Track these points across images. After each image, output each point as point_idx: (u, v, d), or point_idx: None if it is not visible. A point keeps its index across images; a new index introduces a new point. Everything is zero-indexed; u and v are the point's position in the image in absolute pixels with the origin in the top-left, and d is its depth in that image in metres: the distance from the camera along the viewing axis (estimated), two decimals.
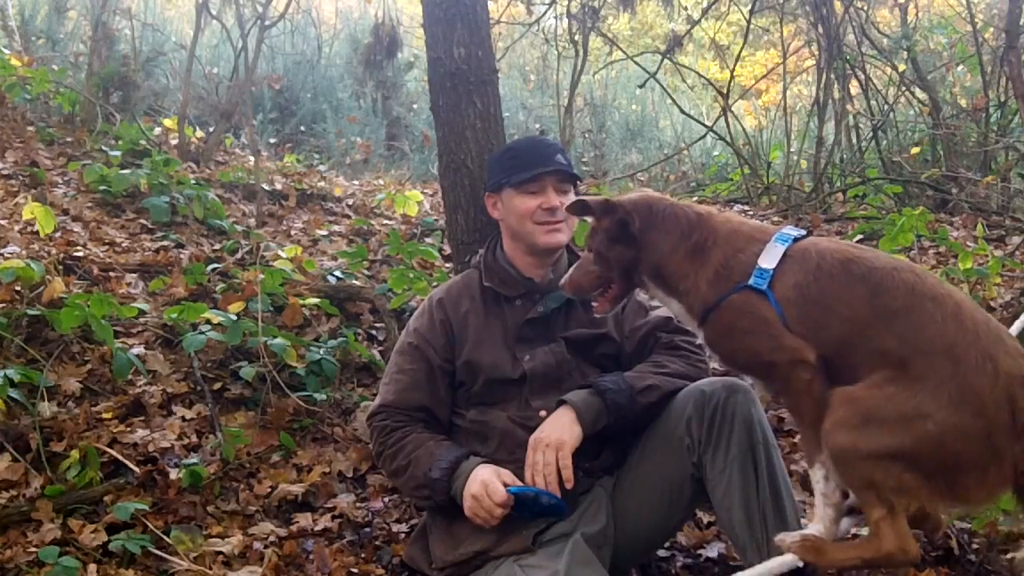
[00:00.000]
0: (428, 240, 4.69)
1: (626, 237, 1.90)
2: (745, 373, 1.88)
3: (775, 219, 5.28)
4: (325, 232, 4.69)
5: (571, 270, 2.05)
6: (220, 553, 2.37)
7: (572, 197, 2.28)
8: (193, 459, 2.68)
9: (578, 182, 2.34)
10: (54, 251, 3.59)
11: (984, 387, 1.53)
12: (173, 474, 2.60)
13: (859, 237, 4.63)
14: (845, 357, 1.68)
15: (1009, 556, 2.29)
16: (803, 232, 1.81)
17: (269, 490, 2.68)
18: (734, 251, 1.80)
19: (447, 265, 3.99)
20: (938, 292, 1.63)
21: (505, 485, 2.02)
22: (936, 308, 1.60)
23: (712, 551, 2.47)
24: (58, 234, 3.77)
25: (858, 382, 1.65)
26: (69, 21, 7.44)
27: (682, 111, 6.72)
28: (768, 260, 1.75)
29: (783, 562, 1.72)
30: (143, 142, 5.17)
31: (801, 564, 1.72)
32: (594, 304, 2.04)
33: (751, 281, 1.74)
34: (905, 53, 6.04)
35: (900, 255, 3.82)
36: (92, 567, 2.23)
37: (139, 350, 3.05)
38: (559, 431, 2.04)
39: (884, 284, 1.65)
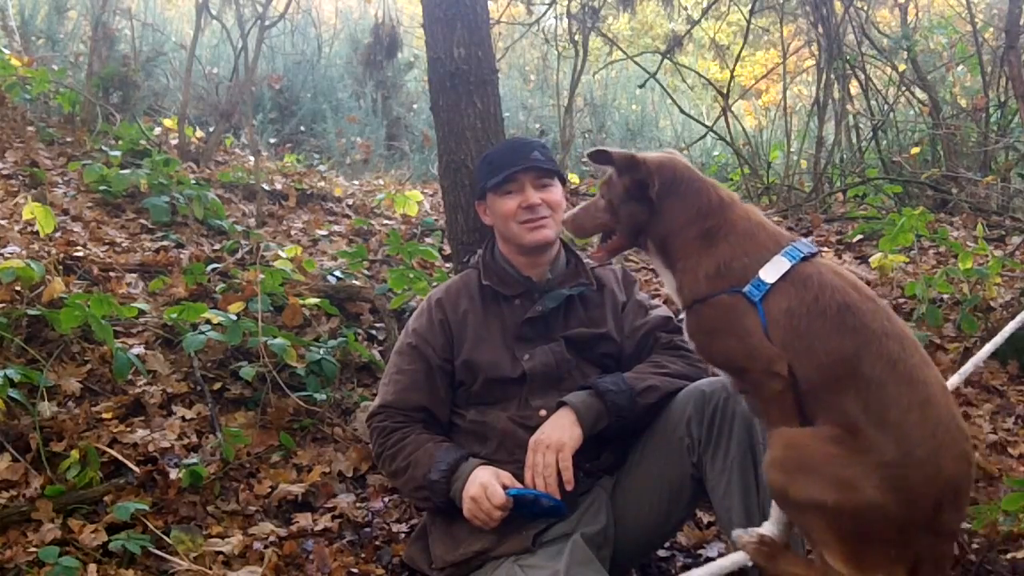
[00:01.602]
0: (428, 240, 4.69)
1: (642, 198, 1.86)
2: (718, 369, 1.87)
3: (775, 219, 5.28)
4: (325, 232, 4.68)
5: (577, 209, 2.01)
6: (220, 553, 2.37)
7: (556, 191, 2.28)
8: (193, 459, 2.68)
9: (560, 176, 2.31)
10: (54, 251, 3.59)
11: (919, 484, 1.54)
12: (173, 474, 2.60)
13: (859, 237, 4.64)
14: (807, 399, 1.67)
15: (1009, 556, 2.29)
16: (814, 250, 1.78)
17: (269, 490, 2.68)
18: (742, 252, 1.77)
19: (447, 265, 3.99)
20: (915, 376, 1.61)
21: (504, 487, 2.02)
22: (907, 392, 1.59)
23: (712, 551, 2.48)
24: (58, 234, 3.77)
25: (808, 425, 1.66)
26: (69, 21, 7.44)
27: (682, 111, 6.72)
28: (770, 273, 1.72)
29: (735, 560, 1.73)
30: (143, 142, 5.17)
31: (751, 564, 1.74)
32: (591, 251, 2.02)
33: (746, 289, 1.72)
34: (905, 53, 6.04)
35: (900, 255, 3.84)
36: (92, 567, 2.23)
37: (139, 350, 3.05)
38: (559, 433, 2.04)
39: (869, 347, 1.62)
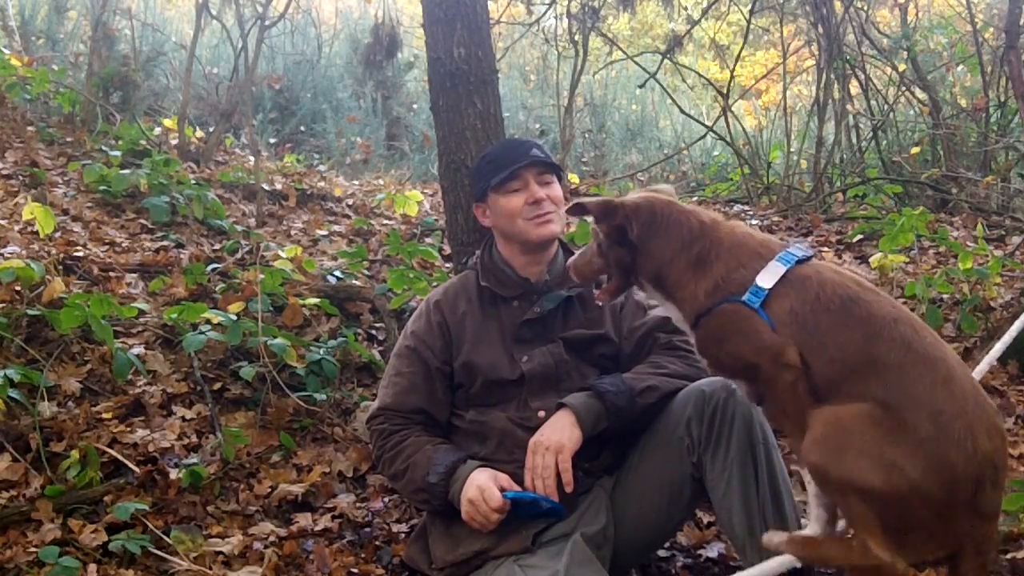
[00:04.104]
0: (428, 240, 4.69)
1: (624, 241, 1.88)
2: (732, 378, 1.86)
3: (775, 219, 5.28)
4: (325, 232, 4.68)
5: (576, 255, 2.04)
6: (220, 553, 2.37)
7: (557, 187, 2.28)
8: (193, 459, 2.69)
9: (560, 171, 2.33)
10: (54, 251, 3.59)
11: (959, 462, 1.53)
12: (173, 474, 2.60)
13: (859, 237, 4.64)
14: (827, 395, 1.66)
15: (1009, 556, 2.29)
16: (809, 253, 1.78)
17: (269, 490, 2.68)
18: (736, 265, 1.77)
19: (447, 265, 3.99)
20: (932, 354, 1.60)
21: (502, 490, 2.02)
22: (928, 370, 1.58)
23: (712, 551, 2.47)
24: (58, 234, 3.77)
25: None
26: (69, 21, 7.44)
27: (682, 111, 6.72)
28: (766, 279, 1.72)
29: (781, 562, 1.72)
30: (143, 142, 5.17)
31: (799, 564, 1.72)
32: (595, 292, 2.03)
33: (745, 297, 1.72)
34: (905, 53, 6.04)
35: (900, 255, 3.83)
36: (92, 567, 2.23)
37: (139, 350, 3.05)
38: (559, 434, 2.04)
39: (881, 334, 1.62)
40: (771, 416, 1.81)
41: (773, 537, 1.73)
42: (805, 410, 1.66)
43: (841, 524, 1.75)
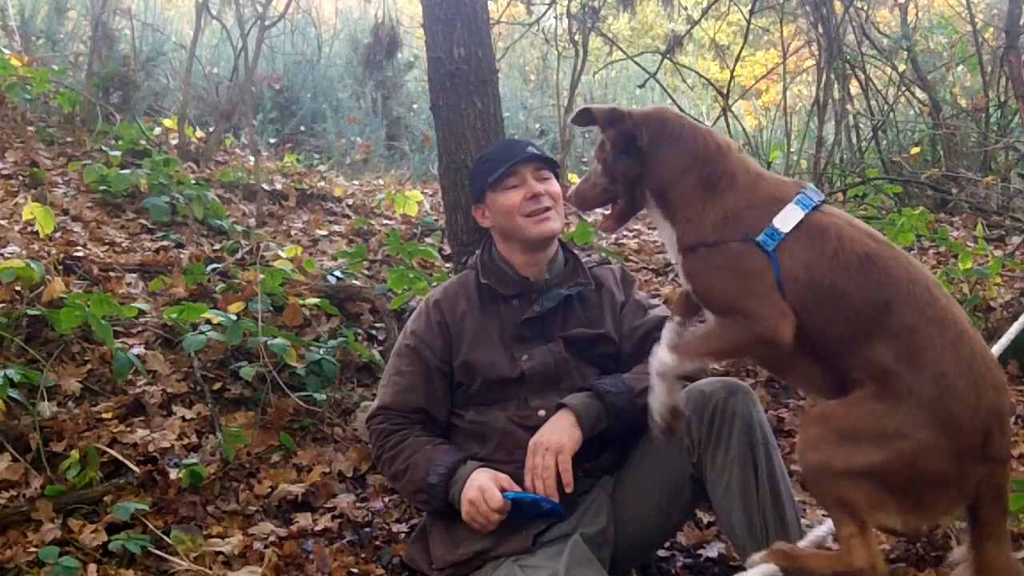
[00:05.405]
0: (428, 240, 4.69)
1: (632, 150, 1.80)
2: (712, 312, 1.77)
3: None
4: (325, 232, 4.69)
5: (578, 182, 1.98)
6: (220, 553, 2.37)
7: (555, 184, 2.28)
8: (193, 459, 2.69)
9: (556, 168, 2.33)
10: (54, 251, 3.59)
11: (964, 415, 1.55)
12: (173, 474, 2.60)
13: None
14: (837, 355, 1.66)
15: None
16: (822, 197, 1.72)
17: (269, 490, 2.68)
18: (748, 203, 1.70)
19: (447, 265, 3.99)
20: (945, 317, 1.61)
21: (502, 490, 2.02)
22: (939, 334, 1.59)
23: (712, 551, 2.47)
24: (58, 234, 3.77)
25: (841, 381, 1.66)
26: (69, 21, 7.44)
27: (682, 111, 6.69)
28: (784, 222, 1.66)
29: (766, 572, 1.71)
30: (143, 142, 5.18)
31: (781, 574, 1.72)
32: (601, 221, 1.98)
33: (760, 238, 1.65)
34: (905, 53, 6.04)
35: None
36: (92, 567, 2.23)
37: (139, 350, 3.05)
38: (559, 435, 2.04)
39: (897, 298, 1.61)
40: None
41: (755, 557, 1.71)
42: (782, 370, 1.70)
43: (821, 530, 1.76)
